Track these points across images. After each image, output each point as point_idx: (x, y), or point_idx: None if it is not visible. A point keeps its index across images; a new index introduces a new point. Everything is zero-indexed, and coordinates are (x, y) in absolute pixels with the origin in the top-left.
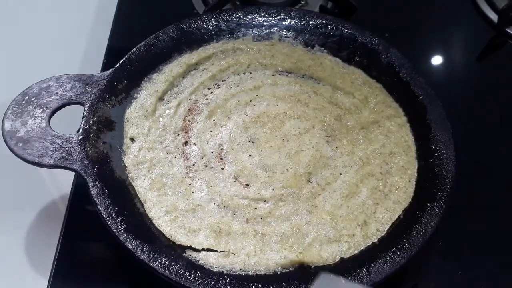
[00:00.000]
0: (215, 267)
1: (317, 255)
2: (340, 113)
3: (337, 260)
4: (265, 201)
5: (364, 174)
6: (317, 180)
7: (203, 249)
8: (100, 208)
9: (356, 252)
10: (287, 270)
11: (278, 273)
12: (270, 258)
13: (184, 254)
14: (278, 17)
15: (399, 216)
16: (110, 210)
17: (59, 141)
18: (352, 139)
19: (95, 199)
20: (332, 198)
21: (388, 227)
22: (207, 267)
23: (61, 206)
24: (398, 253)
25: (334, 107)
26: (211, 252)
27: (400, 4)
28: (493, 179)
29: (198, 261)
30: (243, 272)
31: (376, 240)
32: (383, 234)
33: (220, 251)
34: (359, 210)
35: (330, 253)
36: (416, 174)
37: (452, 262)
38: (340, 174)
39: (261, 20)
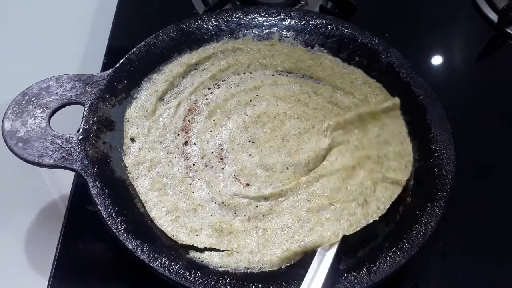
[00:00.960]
0: (220, 267)
1: (319, 236)
2: (340, 112)
3: (340, 237)
4: (265, 198)
5: (360, 157)
6: (315, 170)
7: (205, 249)
8: (100, 208)
9: (358, 229)
10: (292, 263)
11: (283, 267)
12: (274, 253)
13: (188, 255)
14: (278, 17)
15: (399, 196)
16: (110, 210)
17: (59, 141)
18: (348, 130)
19: (95, 199)
20: (330, 182)
21: (388, 206)
22: (211, 267)
23: (61, 206)
24: (398, 253)
25: (334, 106)
26: (214, 252)
27: (400, 4)
28: (493, 179)
29: (202, 261)
30: (248, 270)
31: (377, 218)
32: (383, 212)
33: (223, 250)
34: (358, 190)
35: (332, 232)
36: (412, 160)
37: (452, 262)
38: (336, 159)
39: (261, 20)
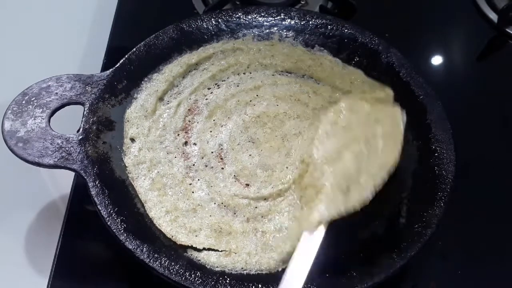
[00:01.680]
0: (217, 267)
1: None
2: None
3: (304, 227)
4: (265, 199)
5: (348, 138)
6: (304, 158)
7: (204, 249)
8: (100, 208)
9: (336, 216)
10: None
11: (280, 270)
12: (271, 257)
13: (186, 253)
14: (278, 17)
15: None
16: (110, 210)
17: (59, 141)
18: (336, 110)
19: (95, 199)
20: (317, 168)
21: (372, 197)
22: (208, 267)
23: (61, 206)
24: (398, 253)
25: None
26: (212, 252)
27: (400, 4)
28: (493, 179)
29: (200, 260)
30: (244, 271)
31: (358, 208)
32: (366, 203)
33: (221, 251)
34: (343, 174)
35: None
36: (402, 141)
37: (452, 262)
38: (324, 139)
39: (261, 20)
